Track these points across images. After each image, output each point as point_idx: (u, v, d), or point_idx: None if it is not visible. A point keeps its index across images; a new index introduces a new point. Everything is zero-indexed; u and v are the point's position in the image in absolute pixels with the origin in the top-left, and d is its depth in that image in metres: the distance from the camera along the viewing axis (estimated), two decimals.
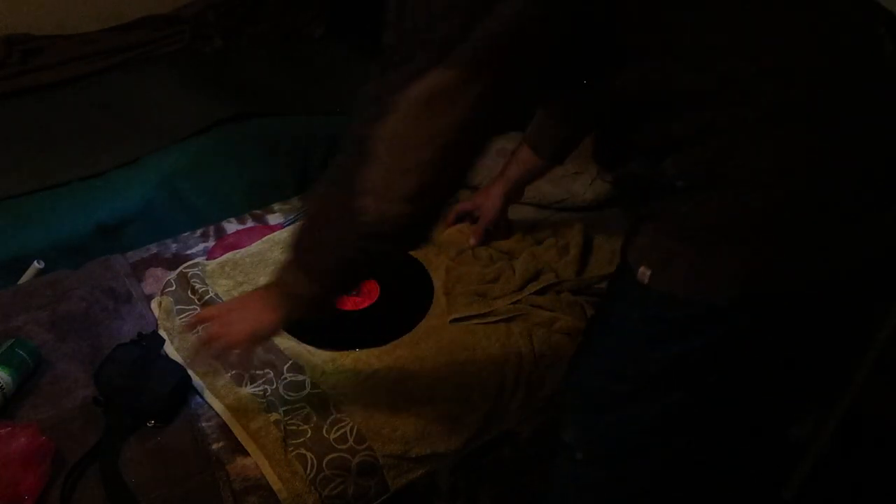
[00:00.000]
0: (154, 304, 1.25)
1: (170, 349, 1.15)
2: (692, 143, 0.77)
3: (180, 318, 1.20)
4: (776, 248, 0.78)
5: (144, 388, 1.03)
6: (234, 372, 1.12)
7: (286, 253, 0.89)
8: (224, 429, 1.05)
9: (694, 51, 0.74)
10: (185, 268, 1.30)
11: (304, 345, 1.18)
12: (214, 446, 1.03)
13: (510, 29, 0.68)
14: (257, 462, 1.00)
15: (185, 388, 1.08)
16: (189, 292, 1.25)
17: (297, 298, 0.90)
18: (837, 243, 0.80)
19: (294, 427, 1.04)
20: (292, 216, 1.45)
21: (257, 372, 1.12)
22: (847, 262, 0.81)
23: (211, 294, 1.23)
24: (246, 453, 1.02)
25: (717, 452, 1.06)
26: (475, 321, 1.20)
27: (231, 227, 1.44)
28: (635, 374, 0.91)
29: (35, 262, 1.37)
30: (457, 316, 1.21)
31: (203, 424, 1.06)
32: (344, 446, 1.03)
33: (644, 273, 0.83)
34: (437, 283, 1.29)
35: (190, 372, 1.11)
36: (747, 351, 0.86)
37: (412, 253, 1.35)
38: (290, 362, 1.13)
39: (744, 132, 0.75)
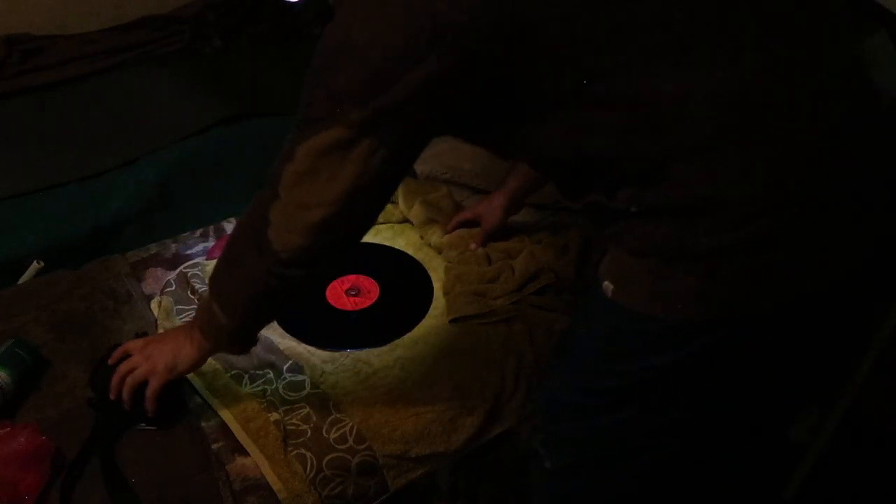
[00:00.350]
0: (154, 304, 1.25)
1: None
2: (638, 177, 0.79)
3: (180, 318, 1.20)
4: (726, 270, 0.79)
5: (137, 391, 1.02)
6: (234, 372, 1.12)
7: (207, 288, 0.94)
8: (224, 429, 1.05)
9: (618, 91, 0.74)
10: (185, 268, 1.30)
11: (304, 345, 1.18)
12: (214, 446, 1.03)
13: (408, 100, 0.73)
14: (257, 462, 1.00)
15: (178, 393, 1.07)
16: (189, 292, 1.25)
17: (215, 332, 0.95)
18: (786, 269, 0.79)
19: (294, 427, 1.04)
20: None
21: (257, 372, 1.12)
22: (804, 286, 0.81)
23: None
24: (246, 453, 1.02)
25: (689, 461, 1.06)
26: (475, 321, 1.20)
27: (231, 227, 1.44)
28: (599, 386, 0.92)
29: (35, 262, 1.36)
30: (456, 316, 1.20)
31: (202, 424, 1.06)
32: (343, 446, 1.03)
33: (608, 287, 0.85)
34: (437, 283, 1.29)
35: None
36: (710, 366, 0.87)
37: (412, 253, 1.36)
38: (290, 362, 1.13)
39: (685, 164, 0.75)
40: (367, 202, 0.84)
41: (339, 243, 0.87)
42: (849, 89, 0.78)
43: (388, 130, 0.76)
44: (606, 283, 0.85)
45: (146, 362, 0.99)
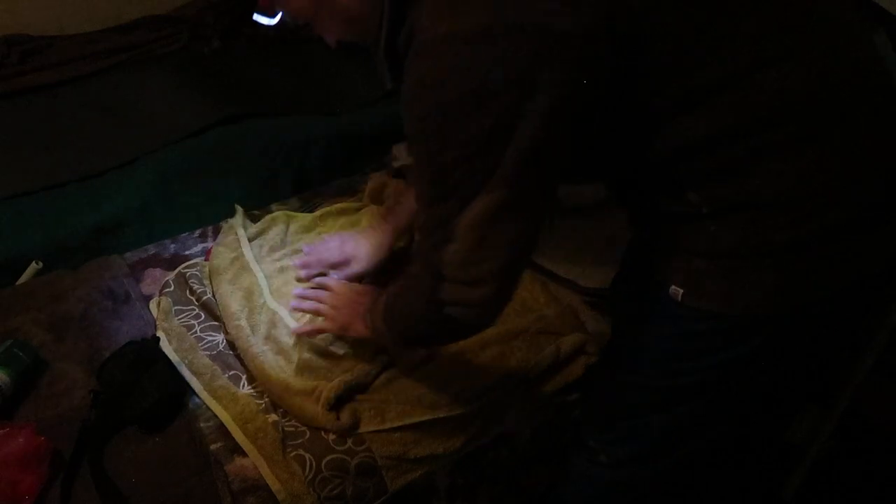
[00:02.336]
0: (153, 305, 1.25)
1: (168, 350, 1.15)
2: (716, 177, 0.79)
3: (179, 319, 1.20)
4: (803, 261, 0.80)
5: (133, 394, 1.02)
6: (231, 373, 1.12)
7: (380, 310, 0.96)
8: (222, 429, 1.05)
9: (712, 94, 0.75)
10: (184, 268, 1.30)
11: None
12: (213, 447, 1.03)
13: (535, 143, 0.70)
14: (256, 463, 1.00)
15: (173, 400, 1.07)
16: (187, 293, 1.25)
17: (382, 338, 1.01)
18: (857, 253, 0.81)
19: (292, 428, 1.04)
20: None
21: None
22: (867, 269, 0.83)
23: (209, 294, 1.23)
24: (244, 454, 1.02)
25: (723, 454, 1.08)
26: None
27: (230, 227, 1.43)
28: (665, 385, 0.93)
29: (34, 263, 1.36)
30: None
31: (201, 425, 1.06)
32: (342, 447, 1.02)
33: (676, 291, 0.85)
34: None
35: (187, 372, 1.11)
36: (772, 360, 0.88)
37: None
38: None
39: (763, 160, 0.76)
40: (530, 242, 0.81)
41: (510, 287, 0.84)
42: (880, 86, 0.80)
43: (531, 180, 0.74)
44: (673, 287, 0.85)
45: (331, 313, 1.10)
